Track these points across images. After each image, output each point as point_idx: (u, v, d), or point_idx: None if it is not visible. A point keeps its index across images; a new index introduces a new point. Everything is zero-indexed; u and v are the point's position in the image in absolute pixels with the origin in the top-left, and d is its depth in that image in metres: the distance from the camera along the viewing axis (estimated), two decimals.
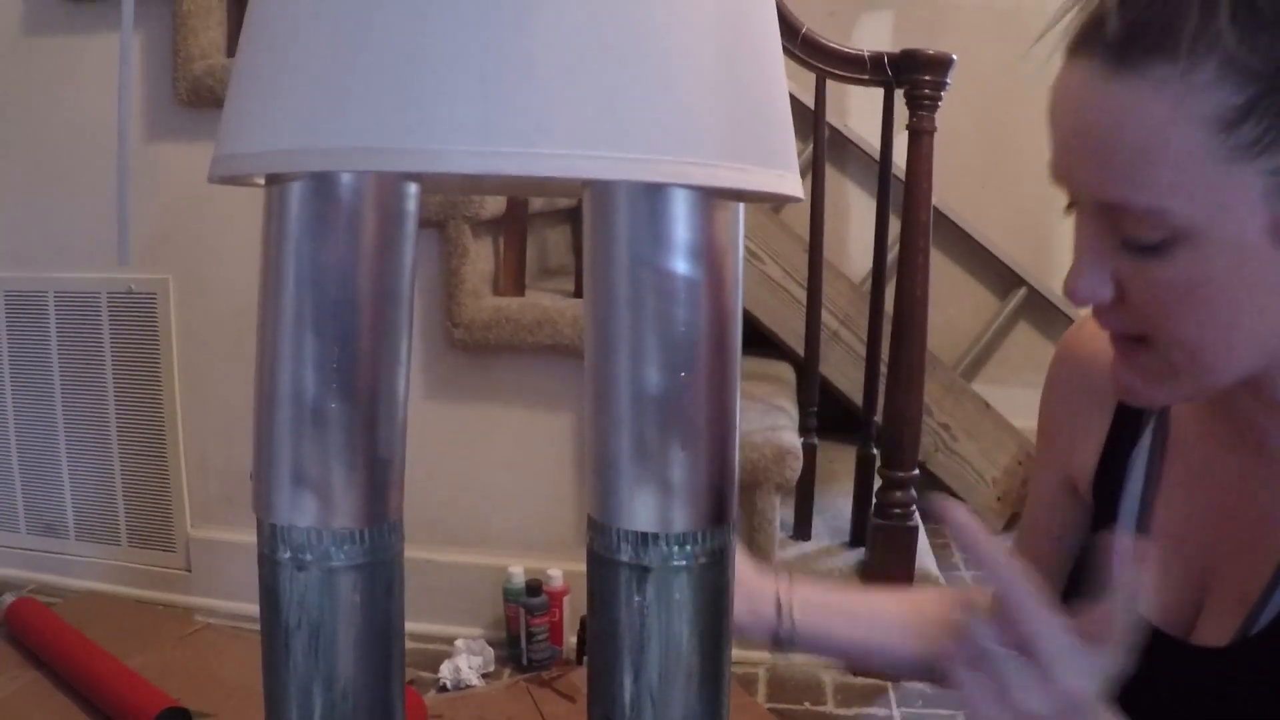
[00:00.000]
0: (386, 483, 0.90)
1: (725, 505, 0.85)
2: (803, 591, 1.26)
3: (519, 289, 3.21)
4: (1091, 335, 1.15)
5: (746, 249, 3.89)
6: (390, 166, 0.72)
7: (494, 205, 3.10)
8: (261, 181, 0.83)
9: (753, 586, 1.24)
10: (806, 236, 3.23)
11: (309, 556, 0.88)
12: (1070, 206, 0.93)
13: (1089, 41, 0.85)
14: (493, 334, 3.02)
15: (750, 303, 3.95)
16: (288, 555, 0.89)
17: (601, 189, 0.79)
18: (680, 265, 0.79)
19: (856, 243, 4.42)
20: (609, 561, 0.85)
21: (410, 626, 2.79)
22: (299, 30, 0.72)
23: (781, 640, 1.25)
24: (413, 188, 0.84)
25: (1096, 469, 1.14)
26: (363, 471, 0.88)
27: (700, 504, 0.83)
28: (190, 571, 3.46)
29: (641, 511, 0.83)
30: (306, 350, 0.83)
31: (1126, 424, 1.14)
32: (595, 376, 0.83)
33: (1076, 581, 1.14)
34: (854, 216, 4.38)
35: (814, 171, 3.12)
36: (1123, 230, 0.86)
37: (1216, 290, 0.85)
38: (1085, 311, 1.05)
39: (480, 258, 3.09)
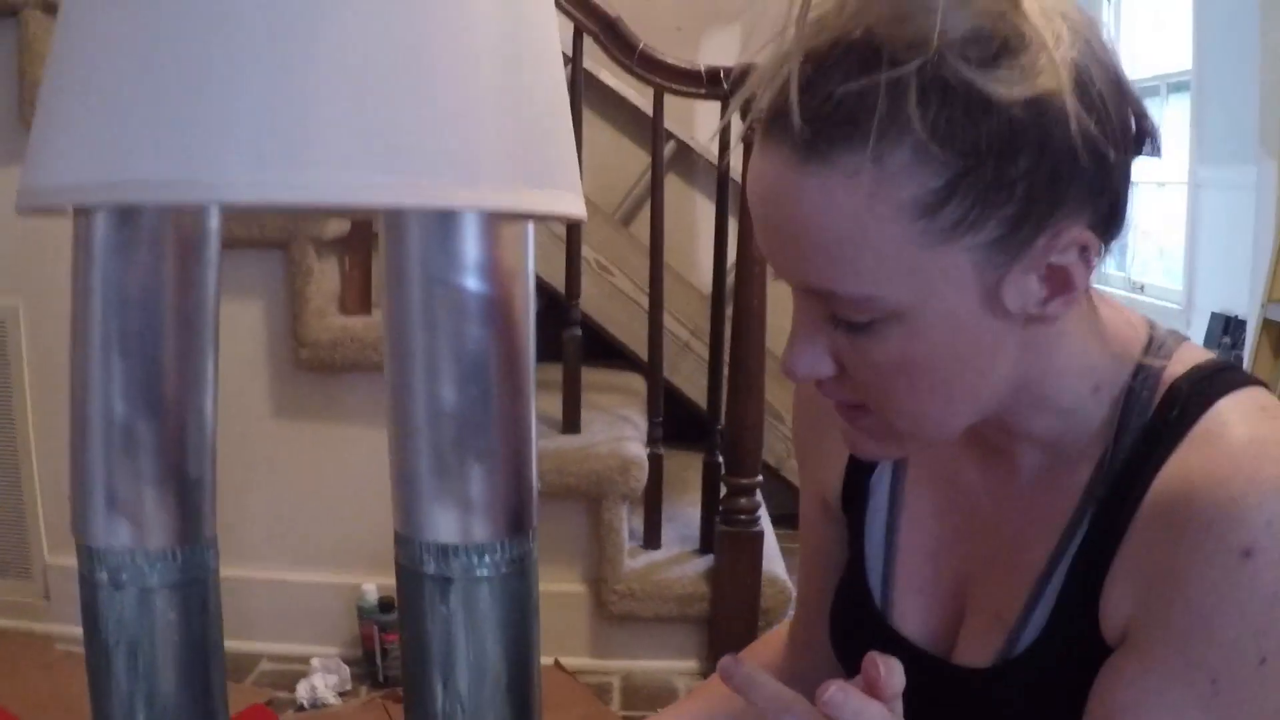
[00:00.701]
0: (198, 502, 0.92)
1: (524, 515, 0.87)
2: None
3: (365, 307, 3.21)
4: None
5: (597, 262, 3.94)
6: (173, 199, 0.73)
7: (338, 225, 3.10)
8: (69, 210, 0.84)
9: None
10: None
11: (125, 576, 0.89)
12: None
13: (776, 130, 0.82)
14: (338, 353, 3.03)
15: (601, 315, 3.98)
16: (105, 576, 0.90)
17: (393, 210, 0.81)
18: (471, 283, 0.81)
19: (706, 254, 4.47)
20: (414, 574, 0.87)
21: (267, 647, 2.78)
22: (92, 65, 0.73)
23: None
24: (214, 211, 0.86)
25: (842, 489, 1.15)
26: (174, 492, 0.89)
27: (499, 515, 0.85)
28: (49, 599, 3.40)
29: (442, 524, 0.85)
30: (115, 373, 0.84)
31: None
32: (393, 392, 0.86)
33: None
34: (703, 228, 4.42)
35: (653, 184, 3.15)
36: (834, 311, 0.85)
37: (933, 362, 0.86)
38: None
39: (325, 277, 3.09)
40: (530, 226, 0.86)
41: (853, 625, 1.12)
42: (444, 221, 0.80)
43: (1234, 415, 0.88)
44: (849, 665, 1.14)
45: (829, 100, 0.79)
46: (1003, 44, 0.78)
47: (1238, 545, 0.82)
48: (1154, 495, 0.88)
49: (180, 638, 0.92)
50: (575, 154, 0.86)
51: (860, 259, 0.81)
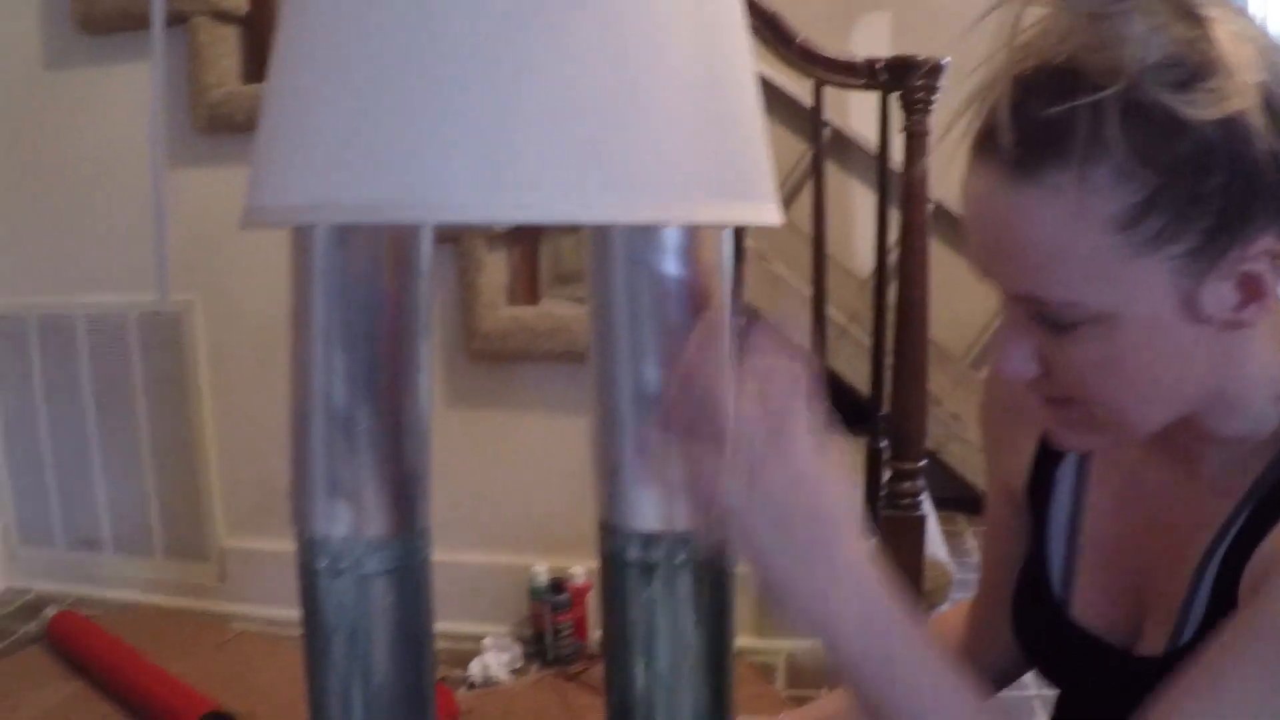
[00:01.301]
0: (414, 492, 0.98)
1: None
2: None
3: (533, 298, 3.27)
4: None
5: (755, 250, 3.96)
6: (394, 219, 0.79)
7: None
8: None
9: None
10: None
11: (344, 564, 0.96)
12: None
13: (987, 148, 0.89)
14: (509, 343, 3.09)
15: (759, 301, 4.00)
16: (325, 564, 0.96)
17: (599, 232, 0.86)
18: (672, 267, 0.86)
19: (863, 240, 4.44)
20: (619, 560, 0.92)
21: (440, 626, 2.88)
22: (312, 89, 0.78)
23: None
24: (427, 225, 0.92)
25: (1028, 482, 1.19)
26: (391, 482, 0.95)
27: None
28: (224, 581, 3.53)
29: (647, 513, 0.90)
30: (336, 365, 0.91)
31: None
32: (598, 375, 0.91)
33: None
34: (859, 215, 4.41)
35: (814, 174, 3.17)
36: (1041, 315, 0.92)
37: (1133, 363, 0.90)
38: None
39: (495, 269, 3.16)
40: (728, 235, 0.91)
41: (1033, 615, 1.15)
42: (645, 242, 0.85)
43: None
44: (1029, 653, 1.18)
45: (1036, 122, 0.85)
46: (1195, 69, 0.83)
47: None
48: None
49: (395, 623, 0.98)
50: (769, 165, 0.90)
51: (1065, 269, 0.87)
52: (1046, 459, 1.17)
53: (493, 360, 3.15)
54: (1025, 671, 1.29)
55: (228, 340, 3.40)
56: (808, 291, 3.26)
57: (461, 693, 2.92)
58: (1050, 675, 1.16)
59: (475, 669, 3.01)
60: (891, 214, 3.05)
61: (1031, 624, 1.16)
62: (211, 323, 3.40)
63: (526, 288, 3.25)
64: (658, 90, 0.79)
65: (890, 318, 3.00)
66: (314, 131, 0.78)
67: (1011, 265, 0.91)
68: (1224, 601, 0.96)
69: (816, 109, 3.13)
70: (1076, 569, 1.13)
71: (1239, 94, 0.83)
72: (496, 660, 3.03)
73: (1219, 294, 0.88)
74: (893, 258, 3.00)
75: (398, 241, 0.93)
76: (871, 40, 4.66)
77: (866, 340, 3.30)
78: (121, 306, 3.43)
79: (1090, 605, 1.12)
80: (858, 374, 3.85)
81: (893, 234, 3.00)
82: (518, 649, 3.11)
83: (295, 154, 0.79)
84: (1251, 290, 0.88)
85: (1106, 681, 1.08)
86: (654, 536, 0.89)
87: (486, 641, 3.09)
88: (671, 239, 0.86)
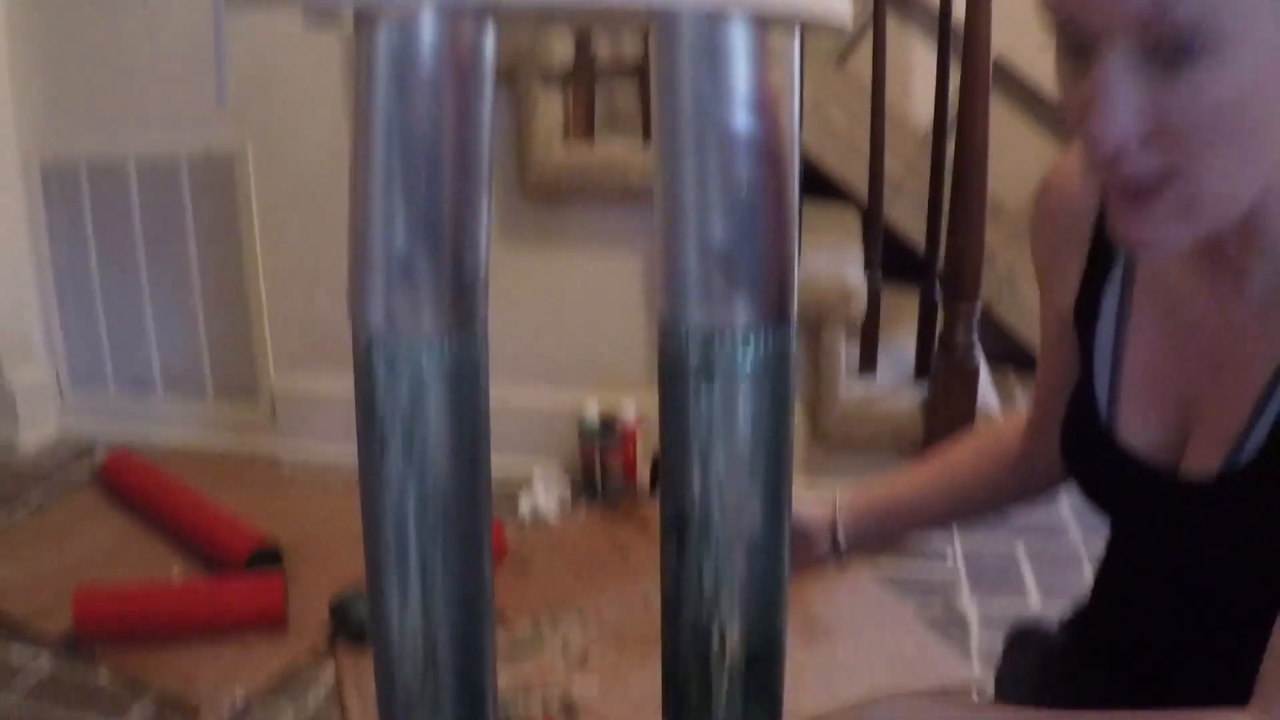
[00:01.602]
0: (472, 298, 0.98)
1: (787, 307, 0.91)
2: (850, 511, 1.35)
3: (588, 138, 3.27)
4: (1069, 173, 1.17)
5: (812, 101, 3.93)
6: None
7: (562, 57, 3.15)
8: (348, 28, 0.89)
9: (803, 527, 1.33)
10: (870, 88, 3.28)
11: (400, 361, 0.96)
12: (1072, 53, 0.89)
13: None
14: (564, 181, 3.10)
15: (817, 151, 3.99)
16: (381, 361, 0.97)
17: (666, 30, 0.85)
18: (740, 111, 0.85)
19: (922, 95, 4.41)
20: (677, 362, 0.92)
21: (494, 461, 2.89)
22: None
23: (842, 562, 1.36)
24: (489, 40, 0.91)
25: (1075, 304, 1.17)
26: (450, 277, 0.95)
27: (763, 304, 0.90)
28: (275, 420, 3.58)
29: (707, 311, 0.90)
30: (396, 204, 0.90)
31: (1099, 260, 1.15)
32: (664, 234, 0.90)
33: None
34: (918, 69, 4.37)
35: (875, 24, 3.14)
36: (1157, 43, 0.82)
37: (1251, 109, 0.84)
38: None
39: (550, 109, 3.15)
40: (796, 48, 0.89)
41: (1080, 438, 1.15)
42: (713, 46, 0.84)
43: None
44: (1078, 476, 1.18)
45: None
46: None
47: None
48: None
49: (451, 423, 0.98)
50: None
51: None
52: (1092, 281, 1.15)
53: (547, 199, 3.15)
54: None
55: (279, 184, 3.41)
56: (865, 145, 3.25)
57: (512, 527, 2.96)
58: (1098, 500, 1.16)
59: (525, 505, 3.06)
60: (952, 68, 3.03)
61: (1079, 448, 1.16)
62: (263, 166, 3.41)
63: (581, 128, 3.24)
64: None
65: (948, 172, 2.97)
66: None
67: None
68: None
69: None
70: (1121, 393, 1.12)
71: None
72: (546, 496, 3.07)
73: None
74: (953, 112, 2.98)
75: (460, 61, 0.91)
76: None
77: (923, 193, 3.28)
78: (172, 150, 3.45)
79: (1136, 428, 1.10)
80: (913, 227, 3.84)
81: (953, 87, 2.97)
82: (566, 483, 3.16)
83: None
84: None
85: (1153, 505, 1.08)
86: (713, 336, 0.88)
87: (536, 473, 3.14)
88: (741, 85, 0.85)
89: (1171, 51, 0.82)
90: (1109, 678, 1.21)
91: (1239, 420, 0.99)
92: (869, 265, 3.28)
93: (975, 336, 3.00)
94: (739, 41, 0.85)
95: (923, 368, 3.21)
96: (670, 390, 0.93)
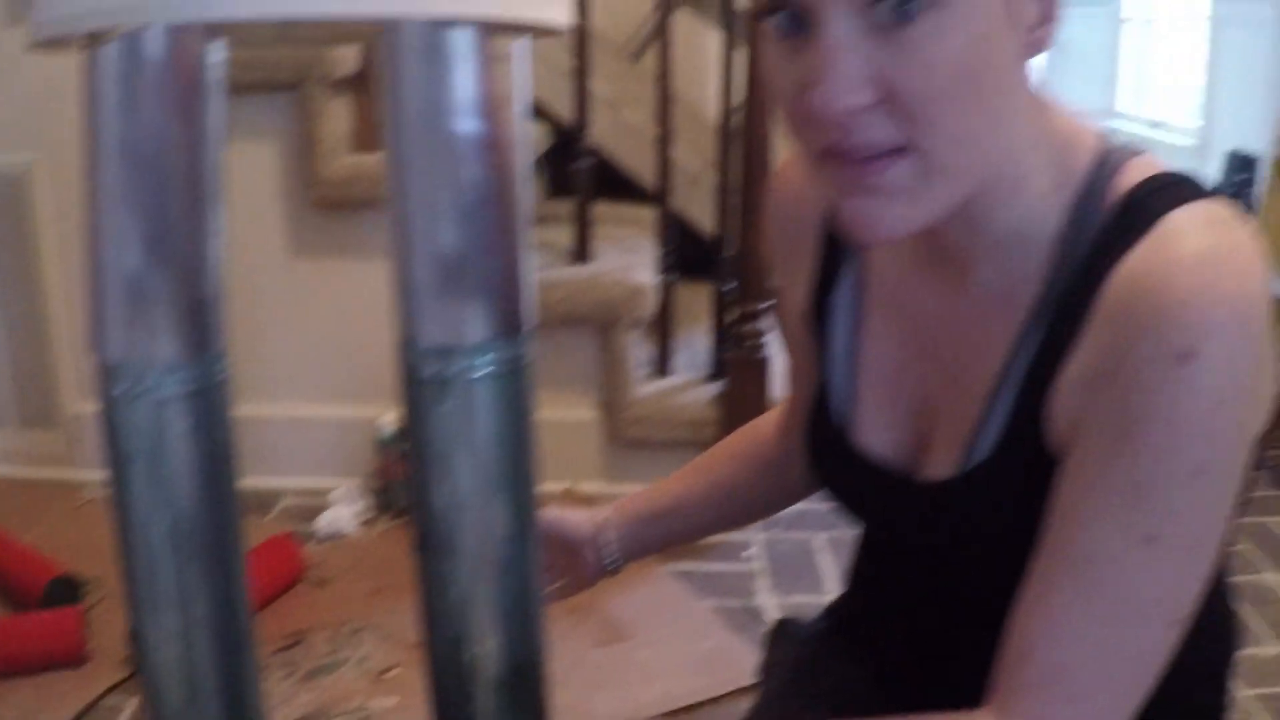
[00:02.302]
0: (207, 316, 0.96)
1: (518, 319, 0.91)
2: (617, 522, 1.34)
3: (375, 145, 3.24)
4: (799, 171, 1.15)
5: (609, 98, 3.93)
6: (176, 18, 0.76)
7: (349, 64, 3.12)
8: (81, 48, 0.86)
9: (569, 540, 1.33)
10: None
11: (139, 389, 0.94)
12: (790, 30, 0.86)
13: None
14: (352, 191, 3.07)
15: (615, 150, 3.99)
16: (121, 390, 0.94)
17: (391, 37, 0.84)
18: (466, 116, 0.85)
19: (718, 88, 4.44)
20: (415, 377, 0.92)
21: (290, 483, 2.85)
22: None
23: (613, 573, 1.35)
24: (218, 54, 0.89)
25: (809, 305, 1.16)
26: (185, 304, 0.93)
27: (495, 318, 0.89)
28: (75, 447, 3.49)
29: (441, 328, 0.89)
30: (127, 222, 0.88)
31: (831, 260, 1.14)
32: (395, 239, 0.89)
33: None
34: (714, 61, 4.41)
35: (660, 15, 3.16)
36: (877, 6, 0.81)
37: (978, 72, 0.84)
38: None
39: (337, 117, 3.13)
40: (523, 52, 0.89)
41: (821, 441, 1.15)
42: (436, 52, 0.83)
43: (1186, 225, 0.88)
44: (821, 478, 1.18)
45: None
46: None
47: (1176, 348, 0.83)
48: (1101, 302, 0.89)
49: (195, 447, 0.97)
50: None
51: None
52: (825, 282, 1.15)
53: (335, 208, 3.12)
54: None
55: (74, 199, 3.29)
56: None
57: (311, 545, 2.93)
58: (842, 501, 1.17)
59: (324, 522, 3.03)
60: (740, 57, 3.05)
61: (820, 451, 1.16)
62: (55, 184, 3.32)
63: (369, 135, 3.21)
64: None
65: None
66: None
67: None
68: (1023, 423, 0.96)
69: None
70: (859, 395, 1.12)
71: None
72: (345, 512, 3.05)
73: (1026, 2, 0.86)
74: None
75: (187, 79, 0.89)
76: None
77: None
78: None
79: (873, 431, 1.11)
80: (713, 221, 3.86)
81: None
82: (366, 500, 3.13)
83: None
84: (1046, 6, 0.87)
85: (894, 506, 1.09)
86: (447, 350, 0.88)
87: (335, 494, 3.11)
88: (464, 91, 0.84)
89: (893, 11, 0.81)
90: (863, 668, 1.22)
91: (971, 419, 1.00)
92: (662, 262, 3.28)
93: (765, 326, 3.03)
94: (461, 47, 0.84)
95: (718, 362, 3.23)
96: (411, 405, 0.93)
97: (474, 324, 0.89)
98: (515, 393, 0.93)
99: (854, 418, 1.12)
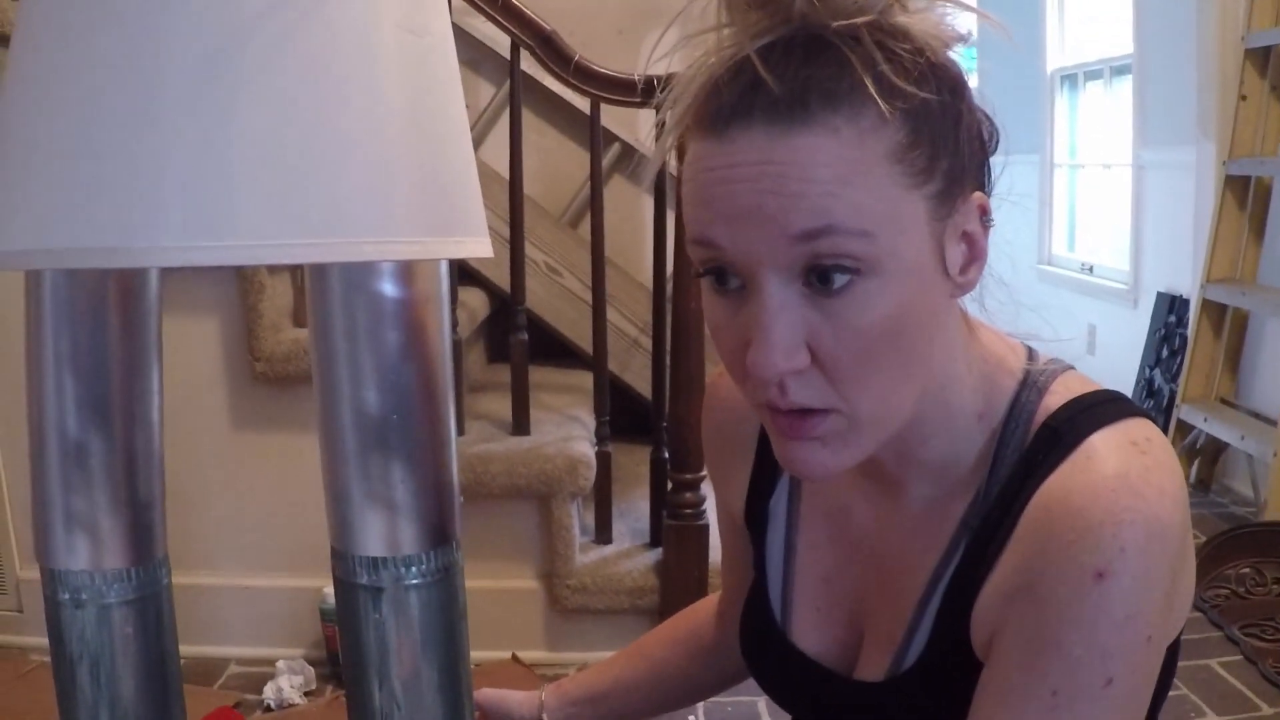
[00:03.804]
0: (150, 523, 1.00)
1: (448, 527, 0.94)
2: (555, 704, 1.37)
3: None
4: (731, 384, 1.09)
5: (546, 264, 4.00)
6: (112, 264, 0.80)
7: None
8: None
9: None
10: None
11: (85, 595, 0.98)
12: (725, 287, 0.90)
13: (746, 113, 0.85)
14: (293, 365, 3.09)
15: (551, 315, 4.04)
16: (66, 596, 0.98)
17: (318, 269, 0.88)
18: (389, 289, 0.89)
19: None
20: (349, 585, 0.95)
21: (235, 651, 2.85)
22: (31, 137, 0.78)
23: None
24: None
25: (745, 511, 1.19)
26: (127, 514, 0.97)
27: (424, 528, 0.93)
28: (22, 612, 3.45)
29: (373, 538, 0.93)
30: (67, 394, 0.92)
31: (765, 469, 1.18)
32: (321, 401, 0.94)
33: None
34: (650, 228, 4.48)
35: (592, 188, 3.23)
36: (819, 262, 0.84)
37: (905, 324, 0.88)
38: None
39: (278, 292, 3.17)
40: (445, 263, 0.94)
41: (757, 640, 1.18)
42: (361, 268, 0.88)
43: (1105, 449, 0.92)
44: (757, 675, 1.21)
45: (796, 74, 0.84)
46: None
47: (1091, 567, 0.85)
48: (1024, 519, 0.93)
49: (138, 650, 1.00)
50: (480, 200, 0.91)
51: (856, 194, 0.83)
52: (760, 490, 1.18)
53: (278, 383, 3.14)
54: None
55: (8, 361, 3.29)
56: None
57: (256, 716, 2.91)
58: (777, 697, 1.20)
59: (269, 692, 3.01)
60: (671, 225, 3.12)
61: (756, 649, 1.19)
62: None
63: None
64: (368, 134, 0.80)
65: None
66: (25, 178, 0.78)
67: (795, 202, 0.84)
68: (948, 632, 0.99)
69: (594, 126, 3.18)
70: (794, 598, 1.15)
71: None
72: (290, 683, 3.03)
73: (952, 248, 0.90)
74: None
75: (124, 284, 0.94)
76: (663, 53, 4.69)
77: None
78: None
79: (808, 632, 1.14)
80: (650, 386, 3.90)
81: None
82: (311, 671, 3.11)
83: (17, 202, 0.79)
84: (971, 248, 0.92)
85: (827, 704, 1.12)
86: (380, 561, 0.92)
87: (280, 665, 3.09)
88: (387, 290, 0.89)
89: (825, 279, 0.85)
90: None
91: (901, 626, 1.03)
92: (599, 431, 3.32)
93: (704, 494, 3.08)
94: (386, 278, 0.89)
95: (658, 529, 3.26)
96: (345, 610, 0.96)
97: (407, 535, 0.93)
98: (447, 598, 0.97)
99: (789, 616, 1.15)
